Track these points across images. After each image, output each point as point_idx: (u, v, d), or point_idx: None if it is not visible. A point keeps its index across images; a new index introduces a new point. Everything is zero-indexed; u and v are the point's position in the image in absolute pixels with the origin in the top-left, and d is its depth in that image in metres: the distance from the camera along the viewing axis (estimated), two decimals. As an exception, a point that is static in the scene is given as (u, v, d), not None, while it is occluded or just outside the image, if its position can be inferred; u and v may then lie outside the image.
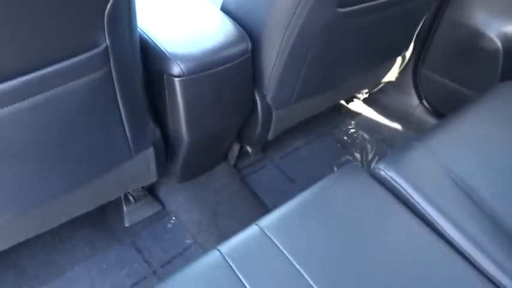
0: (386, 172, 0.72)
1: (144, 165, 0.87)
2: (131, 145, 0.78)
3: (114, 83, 0.67)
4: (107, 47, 0.60)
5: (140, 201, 1.05)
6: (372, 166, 1.16)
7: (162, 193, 1.09)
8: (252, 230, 0.62)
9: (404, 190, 0.70)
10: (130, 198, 1.02)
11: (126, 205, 1.03)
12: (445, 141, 0.83)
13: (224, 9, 0.90)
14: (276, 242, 0.60)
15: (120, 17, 0.60)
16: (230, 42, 0.82)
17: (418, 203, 0.69)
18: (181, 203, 1.07)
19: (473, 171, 0.76)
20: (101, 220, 1.05)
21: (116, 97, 0.69)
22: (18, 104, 0.59)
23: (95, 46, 0.59)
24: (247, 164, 1.22)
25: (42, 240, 1.00)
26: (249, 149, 1.16)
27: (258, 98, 0.95)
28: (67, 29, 0.54)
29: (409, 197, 0.70)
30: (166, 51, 0.76)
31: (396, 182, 0.71)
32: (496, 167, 0.80)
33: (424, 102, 1.44)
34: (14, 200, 0.72)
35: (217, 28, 0.84)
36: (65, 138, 0.69)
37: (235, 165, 1.19)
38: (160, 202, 1.09)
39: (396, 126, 1.45)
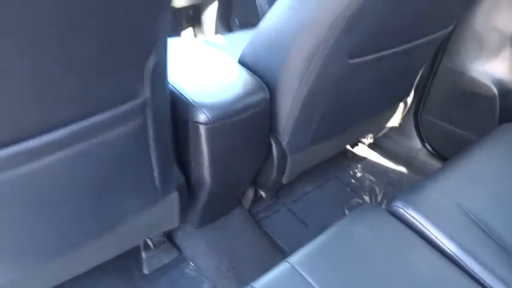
0: (405, 209, 0.75)
1: (168, 209, 0.90)
2: (158, 189, 0.82)
3: (147, 131, 0.72)
4: (145, 98, 0.65)
5: (159, 247, 1.06)
6: (383, 205, 1.19)
7: (179, 238, 1.11)
8: (282, 267, 0.64)
9: (423, 226, 0.73)
10: (150, 244, 1.04)
11: (145, 251, 1.05)
12: (454, 180, 0.88)
13: (241, 62, 0.98)
14: (308, 278, 0.62)
15: (158, 69, 0.66)
16: (250, 92, 0.88)
17: (437, 238, 0.72)
18: (199, 249, 1.09)
19: (485, 207, 0.80)
20: (120, 267, 1.05)
21: (148, 144, 0.74)
22: (59, 153, 0.62)
23: (135, 97, 0.64)
24: (261, 208, 1.25)
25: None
26: (263, 194, 1.19)
27: (273, 144, 1.00)
28: (111, 82, 0.60)
29: (429, 233, 0.73)
30: (193, 101, 0.82)
31: (415, 218, 0.74)
32: (505, 202, 0.84)
33: (427, 145, 1.49)
34: (48, 244, 0.74)
35: (237, 79, 0.91)
36: (98, 184, 0.73)
37: (249, 210, 1.22)
38: (177, 247, 1.10)
39: (401, 169, 1.50)
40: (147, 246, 1.05)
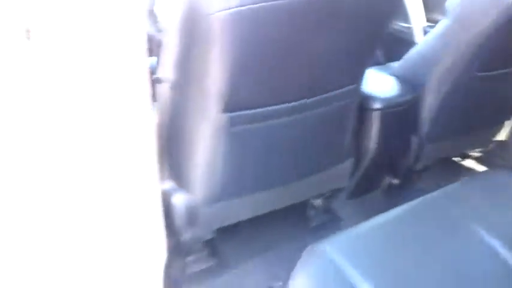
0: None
1: (343, 171, 1.30)
2: (343, 153, 1.23)
3: (349, 107, 1.14)
4: (358, 84, 1.09)
5: (322, 208, 1.46)
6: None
7: (333, 204, 1.49)
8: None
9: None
10: (317, 202, 1.43)
11: (312, 209, 1.45)
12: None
13: (393, 74, 1.39)
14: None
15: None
16: (404, 93, 1.29)
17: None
18: (350, 214, 1.47)
19: None
20: (292, 217, 1.43)
21: (348, 117, 1.16)
22: (302, 114, 1.06)
23: (356, 82, 1.08)
24: (391, 193, 1.61)
25: (250, 226, 1.37)
26: (395, 181, 1.56)
27: (415, 134, 1.38)
28: (352, 71, 1.04)
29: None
30: (370, 93, 1.25)
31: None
32: None
33: (528, 160, 1.78)
34: (266, 178, 1.15)
35: (395, 84, 1.33)
36: (313, 139, 1.15)
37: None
38: (331, 212, 1.49)
39: (505, 179, 1.79)
40: (313, 206, 1.45)
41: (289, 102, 0.98)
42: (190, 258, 1.26)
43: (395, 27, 2.26)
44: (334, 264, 0.77)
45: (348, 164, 1.30)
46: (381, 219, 0.91)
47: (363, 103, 1.24)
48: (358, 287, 0.74)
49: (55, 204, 0.82)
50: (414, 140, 1.40)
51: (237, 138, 0.98)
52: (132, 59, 0.73)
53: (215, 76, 0.84)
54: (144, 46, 0.73)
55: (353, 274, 0.75)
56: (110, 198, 0.89)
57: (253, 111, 0.94)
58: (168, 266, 1.09)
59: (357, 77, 1.09)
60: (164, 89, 0.94)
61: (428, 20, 2.05)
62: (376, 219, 0.90)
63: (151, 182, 0.92)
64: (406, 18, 2.14)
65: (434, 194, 1.02)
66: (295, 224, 1.45)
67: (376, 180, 1.52)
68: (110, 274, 0.96)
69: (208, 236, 1.19)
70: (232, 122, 0.93)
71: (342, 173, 1.31)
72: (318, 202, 1.45)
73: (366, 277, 0.75)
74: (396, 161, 1.47)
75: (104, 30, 0.66)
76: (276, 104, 0.96)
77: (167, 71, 0.91)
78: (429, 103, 1.33)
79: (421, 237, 0.87)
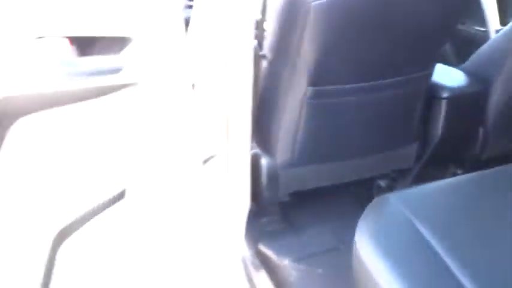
0: None
1: (411, 152, 1.42)
2: (412, 135, 1.36)
3: (420, 92, 1.27)
4: (431, 71, 1.22)
5: (389, 188, 1.58)
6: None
7: (398, 187, 1.61)
8: None
9: None
10: (383, 183, 1.56)
11: (376, 190, 1.58)
12: None
13: (462, 69, 1.49)
14: None
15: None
16: (471, 84, 1.40)
17: None
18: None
19: None
20: (354, 196, 1.58)
21: (416, 103, 1.29)
22: (377, 93, 1.20)
23: (428, 69, 1.21)
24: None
25: (319, 197, 1.53)
26: (459, 172, 1.64)
27: (482, 125, 1.47)
28: (427, 59, 1.18)
29: None
30: (440, 83, 1.36)
31: None
32: None
33: None
34: (339, 150, 1.30)
35: (463, 76, 1.43)
36: (384, 118, 1.29)
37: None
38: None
39: None
40: (378, 186, 1.58)
41: (366, 82, 1.14)
42: (265, 219, 1.44)
43: (470, 30, 2.32)
44: (400, 212, 0.91)
45: (414, 147, 1.42)
46: (442, 183, 1.03)
47: (432, 91, 1.36)
48: (425, 235, 0.86)
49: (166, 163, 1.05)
50: (480, 131, 1.48)
51: (317, 110, 1.15)
52: (243, 41, 0.96)
53: (306, 55, 1.02)
54: (251, 33, 0.96)
55: (418, 223, 0.88)
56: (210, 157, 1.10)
57: (334, 87, 1.11)
58: (249, 223, 1.28)
59: (428, 65, 1.22)
60: (263, 65, 1.14)
61: (502, 24, 2.09)
62: (437, 183, 1.03)
63: (244, 145, 1.13)
64: (481, 22, 2.19)
65: (497, 168, 1.12)
66: (361, 201, 1.58)
67: (440, 167, 1.62)
68: (202, 221, 1.17)
69: (284, 199, 1.37)
70: (315, 95, 1.10)
71: (408, 155, 1.43)
72: (383, 183, 1.58)
73: (429, 227, 0.87)
74: (461, 150, 1.56)
75: (228, 23, 0.92)
76: (355, 83, 1.12)
77: (267, 50, 1.11)
78: (496, 97, 1.41)
79: (483, 203, 0.97)
